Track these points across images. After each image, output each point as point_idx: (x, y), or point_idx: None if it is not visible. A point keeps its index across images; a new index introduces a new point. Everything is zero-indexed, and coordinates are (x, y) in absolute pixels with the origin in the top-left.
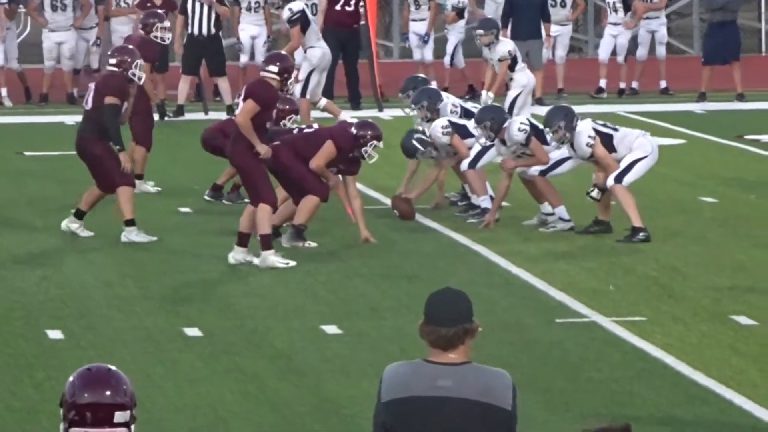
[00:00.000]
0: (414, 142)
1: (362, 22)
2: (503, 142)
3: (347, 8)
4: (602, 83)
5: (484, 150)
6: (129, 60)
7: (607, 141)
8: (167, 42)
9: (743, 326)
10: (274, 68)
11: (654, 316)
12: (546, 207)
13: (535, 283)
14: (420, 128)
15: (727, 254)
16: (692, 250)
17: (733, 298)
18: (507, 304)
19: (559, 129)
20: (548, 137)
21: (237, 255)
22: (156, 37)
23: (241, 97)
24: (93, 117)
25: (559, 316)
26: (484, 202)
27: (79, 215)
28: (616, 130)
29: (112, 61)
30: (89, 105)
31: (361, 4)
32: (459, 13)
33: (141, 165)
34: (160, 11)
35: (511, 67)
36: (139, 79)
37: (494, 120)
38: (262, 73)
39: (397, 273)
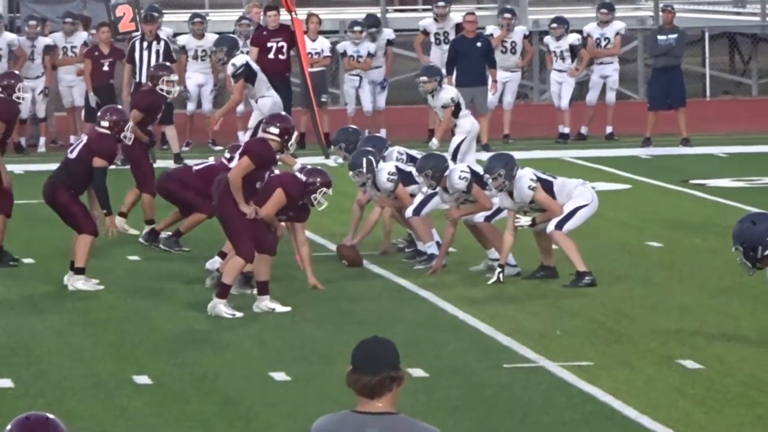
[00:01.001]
0: (363, 160)
1: (313, 69)
2: (446, 189)
3: (280, 56)
4: (563, 129)
5: (429, 197)
6: (121, 123)
7: (548, 187)
8: (172, 96)
9: (689, 369)
10: (275, 129)
11: (601, 360)
12: (492, 253)
13: (482, 328)
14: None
15: (672, 297)
16: (638, 294)
17: (679, 342)
18: (454, 349)
19: (498, 176)
20: (488, 184)
21: (260, 304)
22: (162, 90)
23: (238, 152)
24: (72, 167)
25: (506, 361)
26: (430, 248)
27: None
28: (555, 178)
29: (105, 123)
30: (74, 155)
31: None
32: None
33: (149, 210)
34: (167, 64)
35: (455, 114)
36: (129, 140)
37: (435, 168)
38: (262, 134)
39: (346, 318)
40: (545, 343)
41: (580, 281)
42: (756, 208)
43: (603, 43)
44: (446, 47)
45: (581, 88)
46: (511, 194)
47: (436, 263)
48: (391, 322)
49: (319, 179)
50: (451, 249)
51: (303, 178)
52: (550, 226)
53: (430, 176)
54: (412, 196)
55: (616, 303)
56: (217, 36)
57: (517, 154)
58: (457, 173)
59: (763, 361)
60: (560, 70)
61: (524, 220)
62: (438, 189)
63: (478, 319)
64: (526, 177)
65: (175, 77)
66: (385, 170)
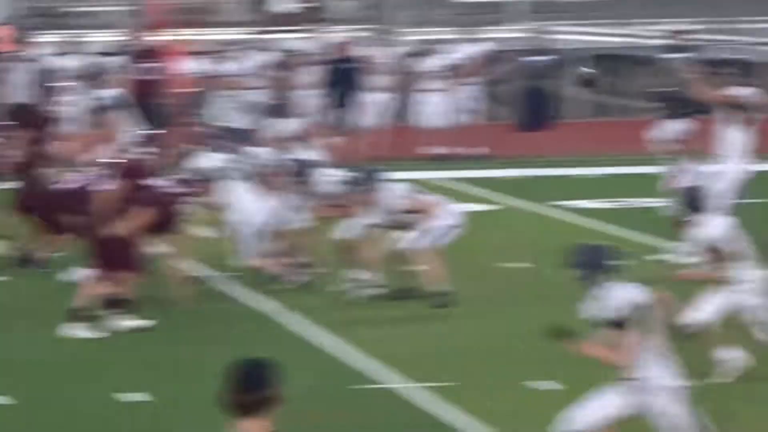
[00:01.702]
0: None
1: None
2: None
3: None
4: (439, 150)
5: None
6: None
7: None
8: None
9: (541, 391)
10: (146, 147)
11: (466, 380)
12: (357, 272)
13: (341, 350)
14: None
15: (539, 319)
16: (508, 314)
17: (550, 363)
18: (306, 371)
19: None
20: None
21: (118, 321)
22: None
23: (109, 171)
24: None
25: (356, 383)
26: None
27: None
28: (422, 193)
29: None
30: None
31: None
32: None
33: None
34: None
35: None
36: None
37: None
38: (134, 152)
39: (205, 339)
40: (407, 365)
41: (438, 301)
42: (617, 226)
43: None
44: (323, 68)
45: None
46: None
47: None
48: (250, 345)
49: (187, 190)
50: (315, 270)
51: (171, 190)
52: (410, 244)
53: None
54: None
55: (486, 324)
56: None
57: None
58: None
59: None
60: (434, 90)
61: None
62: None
63: (339, 339)
64: (396, 190)
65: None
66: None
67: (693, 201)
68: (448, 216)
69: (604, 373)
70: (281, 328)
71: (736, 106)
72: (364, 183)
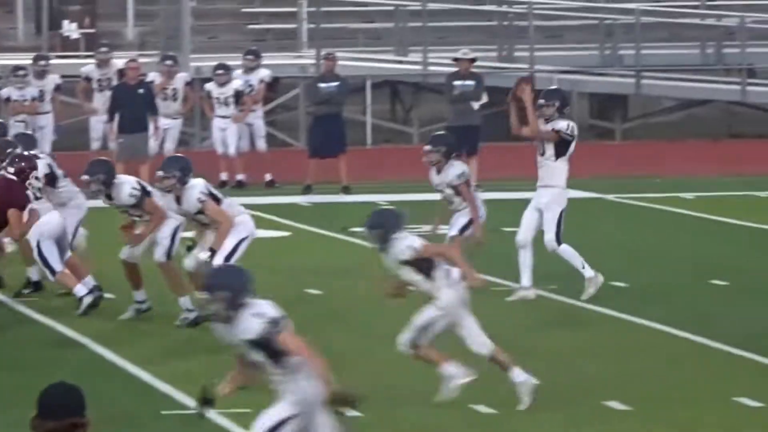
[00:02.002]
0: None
1: None
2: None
3: None
4: (223, 176)
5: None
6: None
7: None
8: None
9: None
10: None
11: (259, 407)
12: (140, 294)
13: (142, 375)
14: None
15: (331, 345)
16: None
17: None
18: (114, 396)
19: (173, 177)
20: (158, 184)
21: None
22: None
23: None
24: None
25: (166, 408)
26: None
27: None
28: (225, 197)
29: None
30: None
31: None
32: None
33: None
34: None
35: None
36: None
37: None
38: None
39: (2, 363)
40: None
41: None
42: None
43: (247, 90)
44: (109, 93)
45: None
46: (179, 200)
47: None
48: (51, 369)
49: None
50: (107, 294)
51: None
52: (218, 260)
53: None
54: None
55: None
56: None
57: None
58: (128, 189)
59: (425, 412)
60: (224, 116)
61: (203, 255)
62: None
63: (137, 365)
64: (197, 188)
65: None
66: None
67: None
68: (246, 227)
69: (407, 400)
70: (87, 353)
71: (563, 140)
72: (175, 171)
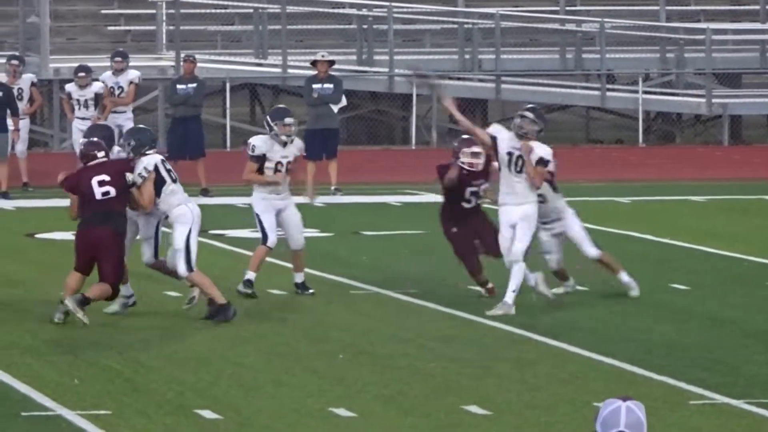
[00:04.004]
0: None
1: None
2: None
3: None
4: None
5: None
6: None
7: (160, 185)
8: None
9: (208, 419)
10: None
11: (118, 408)
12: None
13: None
14: None
15: (190, 348)
16: (155, 344)
17: (197, 392)
18: None
19: (128, 145)
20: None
21: None
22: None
23: None
24: None
25: (24, 410)
26: None
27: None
28: (174, 181)
29: None
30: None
31: None
32: None
33: None
34: None
35: None
36: None
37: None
38: None
39: None
40: (62, 392)
41: (217, 315)
42: (275, 259)
43: (117, 92)
44: None
45: None
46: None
47: None
48: None
49: None
50: None
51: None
52: (181, 268)
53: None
54: None
55: (135, 353)
56: None
57: (38, 202)
58: None
59: (278, 413)
60: (84, 118)
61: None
62: None
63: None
64: (151, 163)
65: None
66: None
67: None
68: (186, 217)
69: (260, 404)
70: None
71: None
72: (132, 142)
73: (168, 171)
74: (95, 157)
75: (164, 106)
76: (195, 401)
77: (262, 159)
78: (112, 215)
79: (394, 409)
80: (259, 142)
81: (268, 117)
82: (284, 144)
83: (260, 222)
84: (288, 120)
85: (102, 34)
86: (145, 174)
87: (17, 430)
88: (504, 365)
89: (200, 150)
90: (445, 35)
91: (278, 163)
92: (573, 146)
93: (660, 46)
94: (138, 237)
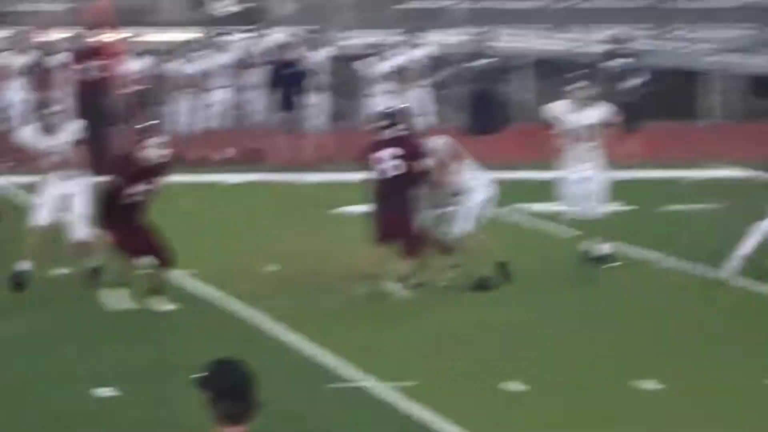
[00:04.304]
0: None
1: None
2: None
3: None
4: None
5: None
6: None
7: None
8: None
9: (513, 392)
10: None
11: (425, 380)
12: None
13: (312, 348)
14: None
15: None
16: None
17: (501, 365)
18: (284, 371)
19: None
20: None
21: None
22: None
23: None
24: None
25: (341, 381)
26: None
27: None
28: None
29: None
30: None
31: None
32: None
33: None
34: None
35: None
36: None
37: None
38: None
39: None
40: (368, 363)
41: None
42: None
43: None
44: None
45: None
46: None
47: None
48: (220, 344)
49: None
50: None
51: None
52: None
53: None
54: None
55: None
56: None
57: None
58: None
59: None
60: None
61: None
62: None
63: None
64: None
65: None
66: None
67: None
68: None
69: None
70: (247, 327)
71: None
72: None
73: None
74: None
75: (462, 82)
76: (501, 374)
77: None
78: None
79: None
80: None
81: None
82: None
83: None
84: None
85: (390, 10)
86: None
87: (325, 402)
88: None
89: (501, 125)
90: None
91: None
92: None
93: None
94: None
